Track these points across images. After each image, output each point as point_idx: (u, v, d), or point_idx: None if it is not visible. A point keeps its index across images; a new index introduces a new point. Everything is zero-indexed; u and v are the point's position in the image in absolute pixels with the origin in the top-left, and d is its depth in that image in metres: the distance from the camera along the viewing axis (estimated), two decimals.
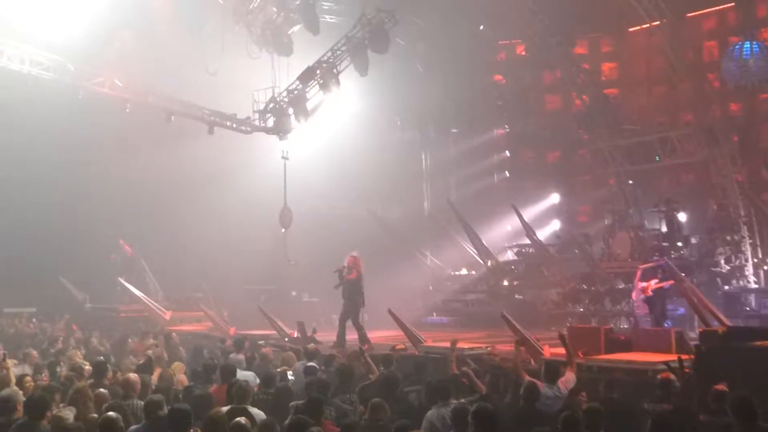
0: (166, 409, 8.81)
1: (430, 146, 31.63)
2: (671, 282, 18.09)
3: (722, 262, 22.01)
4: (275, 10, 26.71)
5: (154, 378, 12.28)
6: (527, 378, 10.86)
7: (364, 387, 11.31)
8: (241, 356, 15.36)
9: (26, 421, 8.76)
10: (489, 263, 27.55)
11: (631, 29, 27.58)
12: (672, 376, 10.99)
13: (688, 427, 9.15)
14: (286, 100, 29.75)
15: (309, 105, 29.93)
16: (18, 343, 19.41)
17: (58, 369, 14.31)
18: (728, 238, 22.37)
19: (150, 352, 16.06)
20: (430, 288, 28.28)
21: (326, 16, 28.21)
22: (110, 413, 8.42)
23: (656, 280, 18.12)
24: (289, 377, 12.88)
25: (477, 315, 25.19)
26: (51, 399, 9.52)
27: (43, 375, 13.28)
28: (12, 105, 28.82)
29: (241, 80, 32.58)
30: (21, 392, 9.95)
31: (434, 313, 26.65)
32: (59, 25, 28.23)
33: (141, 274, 28.59)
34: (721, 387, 9.67)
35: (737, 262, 22.07)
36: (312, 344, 17.10)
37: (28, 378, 12.37)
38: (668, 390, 10.53)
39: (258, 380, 12.04)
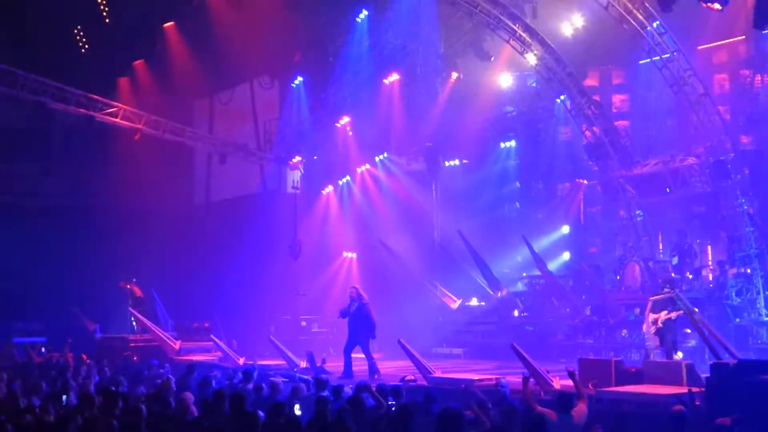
0: None
1: (440, 176, 31.67)
2: (680, 312, 18.01)
3: (733, 294, 21.93)
4: None
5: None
6: (538, 408, 10.86)
7: (376, 419, 11.26)
8: (250, 386, 15.33)
9: None
10: (499, 294, 27.49)
11: (641, 61, 27.64)
12: (684, 409, 10.96)
13: None
14: (297, 130, 29.95)
15: (320, 135, 30.11)
16: (26, 373, 19.39)
17: (64, 398, 14.29)
18: (739, 270, 22.29)
19: (159, 381, 16.08)
20: (440, 319, 28.19)
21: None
22: None
23: (666, 312, 18.07)
24: (296, 411, 12.81)
25: (487, 346, 25.14)
26: (64, 429, 9.53)
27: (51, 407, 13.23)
28: (27, 134, 29.06)
29: (254, 110, 32.87)
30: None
31: (444, 344, 26.57)
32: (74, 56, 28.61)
33: (151, 303, 28.60)
34: (725, 421, 9.63)
35: (748, 295, 21.96)
36: (322, 375, 17.10)
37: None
38: (680, 423, 10.48)
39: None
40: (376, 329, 19.97)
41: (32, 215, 30.44)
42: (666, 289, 18.68)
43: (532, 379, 13.57)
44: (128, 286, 28.79)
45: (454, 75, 29.66)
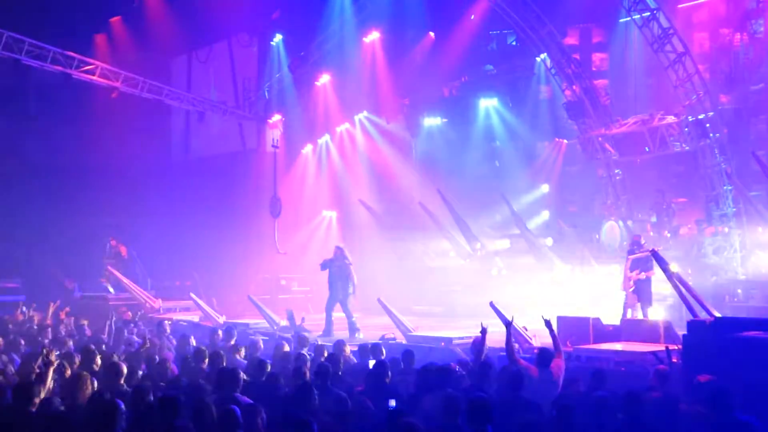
0: (153, 397, 8.80)
1: (419, 135, 31.59)
2: (651, 273, 18.22)
3: (711, 253, 22.06)
4: None
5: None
6: (521, 363, 10.97)
7: (355, 376, 11.34)
8: (231, 344, 15.34)
9: (13, 405, 8.76)
10: (478, 253, 27.55)
11: (621, 20, 27.57)
12: (667, 369, 11.13)
13: (669, 415, 9.23)
14: (276, 88, 29.80)
15: (299, 93, 29.97)
16: (4, 332, 19.29)
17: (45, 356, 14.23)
18: (717, 229, 22.43)
19: (136, 338, 16.11)
20: (420, 277, 28.26)
21: None
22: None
23: (637, 272, 18.31)
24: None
25: (466, 304, 25.21)
26: (40, 385, 9.49)
27: (36, 364, 13.18)
28: (2, 92, 28.70)
29: (232, 68, 32.64)
30: None
31: (423, 302, 26.66)
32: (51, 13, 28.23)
33: (130, 262, 28.49)
34: (705, 377, 9.74)
35: (725, 254, 22.11)
36: (301, 332, 17.15)
37: None
38: (663, 380, 10.59)
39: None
40: (356, 290, 20.17)
41: (8, 173, 30.16)
42: (636, 248, 18.88)
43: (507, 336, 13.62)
44: (117, 245, 28.55)
45: (432, 34, 29.58)
